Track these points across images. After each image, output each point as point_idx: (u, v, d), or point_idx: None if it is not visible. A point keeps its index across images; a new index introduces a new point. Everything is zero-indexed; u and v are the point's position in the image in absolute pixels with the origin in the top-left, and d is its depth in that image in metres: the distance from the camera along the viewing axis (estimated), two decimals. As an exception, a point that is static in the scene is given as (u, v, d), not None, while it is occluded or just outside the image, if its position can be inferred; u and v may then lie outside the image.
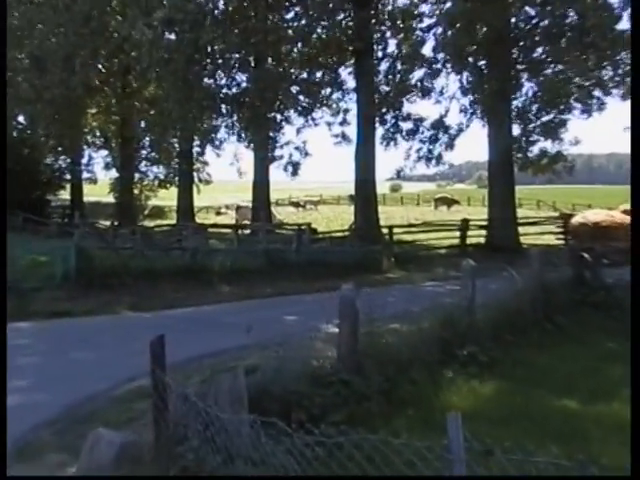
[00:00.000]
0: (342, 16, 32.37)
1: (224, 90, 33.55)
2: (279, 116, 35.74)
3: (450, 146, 32.94)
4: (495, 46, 28.37)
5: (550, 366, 9.47)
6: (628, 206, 20.94)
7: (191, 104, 30.82)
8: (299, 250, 23.73)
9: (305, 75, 34.86)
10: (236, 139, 38.69)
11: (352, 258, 23.82)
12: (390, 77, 33.22)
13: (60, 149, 50.23)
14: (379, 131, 33.43)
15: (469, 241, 29.80)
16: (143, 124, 49.93)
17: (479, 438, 3.75)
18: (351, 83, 35.91)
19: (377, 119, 33.00)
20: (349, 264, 22.65)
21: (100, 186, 57.79)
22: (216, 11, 30.28)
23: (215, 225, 37.22)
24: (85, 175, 54.95)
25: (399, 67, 32.97)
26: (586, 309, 12.42)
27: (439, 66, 32.04)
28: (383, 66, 33.67)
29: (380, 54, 33.59)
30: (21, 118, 47.24)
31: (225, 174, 59.68)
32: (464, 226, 29.84)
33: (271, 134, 35.54)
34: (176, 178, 52.46)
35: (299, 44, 33.30)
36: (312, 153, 37.99)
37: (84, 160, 54.47)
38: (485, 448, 3.66)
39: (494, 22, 27.16)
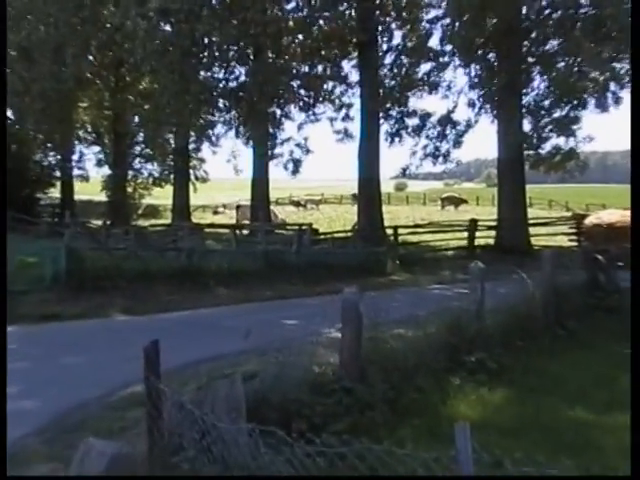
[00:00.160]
0: (345, 6, 32.31)
1: (222, 84, 33.57)
2: (279, 111, 35.76)
3: (458, 143, 32.95)
4: (505, 38, 28.38)
5: (562, 374, 9.46)
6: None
7: (187, 98, 30.84)
8: (300, 251, 23.75)
9: (306, 68, 34.86)
10: (234, 135, 38.71)
11: (355, 260, 23.83)
12: (395, 71, 33.23)
13: (50, 145, 50.29)
14: (383, 127, 33.51)
15: (477, 242, 29.83)
16: (137, 119, 49.99)
17: (488, 449, 3.75)
18: (354, 77, 35.98)
19: (381, 114, 33.02)
20: (352, 266, 22.66)
21: (92, 184, 57.83)
22: (213, 1, 30.31)
23: (212, 225, 37.30)
24: (76, 172, 55.04)
25: (405, 60, 33.02)
26: (600, 314, 12.41)
27: (446, 59, 32.12)
28: (388, 59, 33.75)
29: (385, 47, 33.63)
30: (9, 112, 47.27)
31: (222, 172, 59.93)
32: (472, 227, 29.86)
33: (271, 130, 35.56)
34: (171, 176, 52.57)
35: (300, 36, 33.29)
36: (314, 150, 38.06)
37: (75, 157, 54.52)
38: (494, 459, 3.66)
39: (504, 13, 27.19)
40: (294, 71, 34.38)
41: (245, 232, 34.31)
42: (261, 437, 4.69)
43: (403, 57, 33.02)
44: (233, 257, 22.82)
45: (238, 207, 51.05)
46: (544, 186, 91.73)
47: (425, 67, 33.03)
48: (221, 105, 34.96)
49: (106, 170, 54.72)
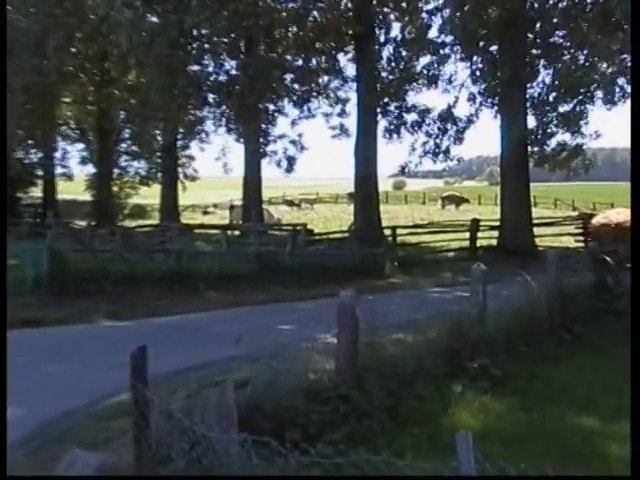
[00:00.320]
0: (341, -3, 32.42)
1: (211, 78, 33.56)
2: (272, 106, 35.80)
3: (459, 139, 32.88)
4: (508, 29, 28.36)
5: (568, 380, 9.47)
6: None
7: (175, 92, 30.83)
8: (294, 253, 23.73)
9: (300, 62, 34.87)
10: (225, 131, 38.73)
11: (351, 262, 23.83)
12: (393, 64, 33.19)
13: (31, 142, 50.18)
14: (381, 123, 33.44)
15: (479, 243, 29.86)
16: (123, 114, 49.97)
17: (492, 459, 3.76)
18: (351, 70, 36.02)
19: (379, 110, 32.99)
20: (348, 268, 22.65)
21: (76, 183, 57.75)
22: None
23: (202, 226, 37.33)
24: (59, 171, 55.01)
25: (403, 53, 32.94)
26: (608, 317, 12.41)
27: (447, 52, 32.01)
28: (386, 52, 33.68)
29: (382, 39, 33.61)
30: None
31: (212, 170, 59.70)
32: (474, 227, 29.88)
33: (263, 126, 35.55)
34: (159, 174, 52.54)
35: (294, 28, 33.28)
36: (308, 147, 38.09)
37: (58, 154, 54.48)
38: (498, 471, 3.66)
39: (507, 2, 27.18)
40: (287, 64, 34.38)
41: (237, 233, 34.30)
42: (254, 447, 4.69)
43: (401, 49, 32.92)
44: (224, 259, 22.81)
45: (232, 207, 50.95)
46: (549, 184, 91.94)
47: (424, 60, 32.96)
48: (211, 100, 34.97)
49: (91, 168, 54.77)
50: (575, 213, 45.05)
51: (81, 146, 55.39)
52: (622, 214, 26.80)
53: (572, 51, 29.94)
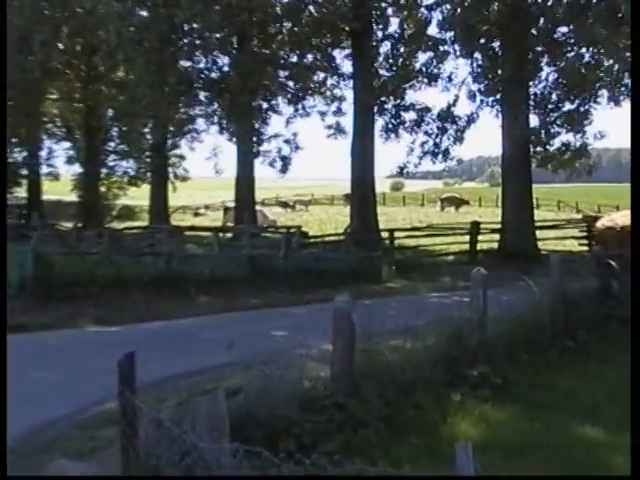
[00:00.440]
0: (337, -9, 32.39)
1: (203, 74, 33.51)
2: (265, 105, 35.77)
3: (459, 139, 32.85)
4: (510, 25, 28.36)
5: (572, 389, 9.49)
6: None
7: (165, 90, 30.80)
8: (287, 256, 23.72)
9: (295, 58, 34.84)
10: (217, 131, 38.72)
11: (347, 266, 23.84)
12: (391, 61, 33.13)
13: (15, 140, 50.04)
14: (379, 122, 33.37)
15: (480, 247, 29.86)
16: (111, 112, 49.88)
17: (492, 471, 3.76)
18: (347, 68, 35.94)
19: (376, 108, 32.93)
20: (344, 272, 22.67)
21: (62, 183, 57.68)
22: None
23: (193, 228, 37.21)
24: (44, 170, 54.77)
25: (401, 49, 32.93)
26: (613, 324, 12.42)
27: (447, 48, 31.97)
28: (383, 48, 33.59)
29: (380, 35, 33.51)
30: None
31: (204, 170, 59.74)
32: (474, 230, 29.87)
33: (256, 125, 35.53)
34: (148, 174, 52.38)
35: (288, 23, 33.27)
36: (303, 147, 38.08)
37: (43, 153, 54.29)
38: None
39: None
40: (282, 61, 34.37)
41: (229, 235, 34.26)
42: (246, 457, 4.69)
43: (400, 46, 32.92)
44: (215, 262, 22.81)
45: (226, 209, 50.63)
46: (552, 186, 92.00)
47: (423, 57, 32.90)
48: (202, 97, 34.96)
49: (77, 168, 54.66)
50: (579, 216, 45.16)
51: (67, 145, 55.24)
52: (628, 217, 26.79)
53: (576, 48, 29.90)
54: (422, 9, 32.62)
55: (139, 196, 58.38)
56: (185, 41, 31.51)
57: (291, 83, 35.70)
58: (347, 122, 37.81)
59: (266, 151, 36.82)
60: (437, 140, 32.87)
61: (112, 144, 53.75)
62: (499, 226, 31.40)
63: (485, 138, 43.21)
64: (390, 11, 33.75)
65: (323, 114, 37.82)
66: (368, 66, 32.54)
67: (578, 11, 28.12)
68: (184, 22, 29.36)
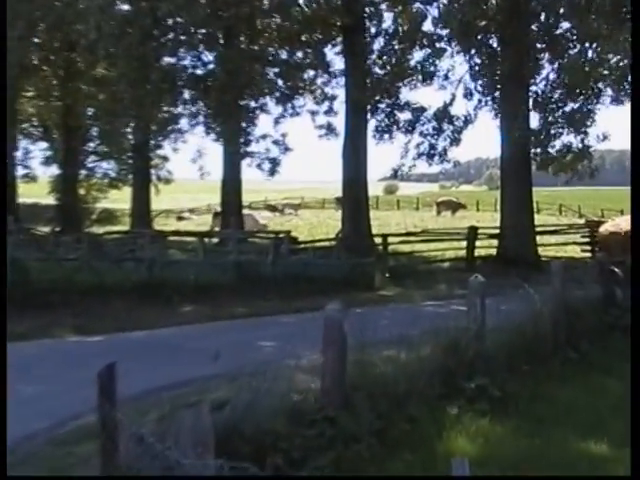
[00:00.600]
0: (329, -15, 32.45)
1: (187, 71, 33.53)
2: (253, 103, 35.83)
3: (456, 140, 32.89)
4: (509, 20, 28.44)
5: (574, 402, 9.50)
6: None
7: (148, 87, 30.77)
8: (276, 262, 23.73)
9: (284, 55, 34.94)
10: (203, 131, 38.75)
11: (339, 272, 23.84)
12: (385, 58, 33.21)
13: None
14: (372, 122, 33.45)
15: (478, 253, 29.90)
16: (90, 111, 49.77)
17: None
18: (339, 65, 36.05)
19: (369, 108, 32.99)
20: (335, 279, 22.67)
21: (39, 185, 57.61)
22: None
23: (177, 232, 37.16)
24: (20, 172, 54.68)
25: (396, 46, 32.99)
26: (617, 334, 12.45)
27: (443, 45, 32.05)
28: (376, 45, 33.72)
29: (373, 30, 33.63)
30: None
31: (188, 172, 59.70)
32: (472, 235, 29.90)
33: (243, 125, 35.56)
34: (130, 176, 52.32)
35: (277, 18, 33.30)
36: (292, 148, 38.17)
37: (19, 154, 54.19)
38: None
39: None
40: (270, 58, 34.43)
41: (215, 240, 34.24)
42: (232, 474, 4.68)
43: (394, 42, 32.99)
44: (200, 269, 22.80)
45: (216, 214, 50.39)
46: (553, 189, 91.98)
47: (419, 54, 33.08)
48: (186, 96, 34.94)
49: (55, 169, 54.59)
50: (582, 220, 45.21)
51: (44, 145, 55.30)
52: (632, 222, 26.89)
53: (579, 44, 29.88)
54: (417, 4, 32.66)
55: (120, 199, 58.33)
56: (169, 36, 31.52)
57: (280, 81, 35.76)
58: (339, 122, 37.96)
59: (254, 152, 36.91)
60: (433, 141, 32.91)
61: (92, 144, 53.71)
62: (498, 231, 31.44)
63: (483, 139, 43.32)
64: (384, 6, 33.83)
65: (313, 114, 37.93)
66: (361, 63, 32.58)
67: (581, 5, 28.15)
68: (168, 16, 29.37)
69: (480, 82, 31.90)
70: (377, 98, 33.05)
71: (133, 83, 30.14)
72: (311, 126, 37.62)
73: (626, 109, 30.35)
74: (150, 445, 5.24)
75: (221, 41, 33.60)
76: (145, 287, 20.04)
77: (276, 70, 35.11)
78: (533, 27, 30.23)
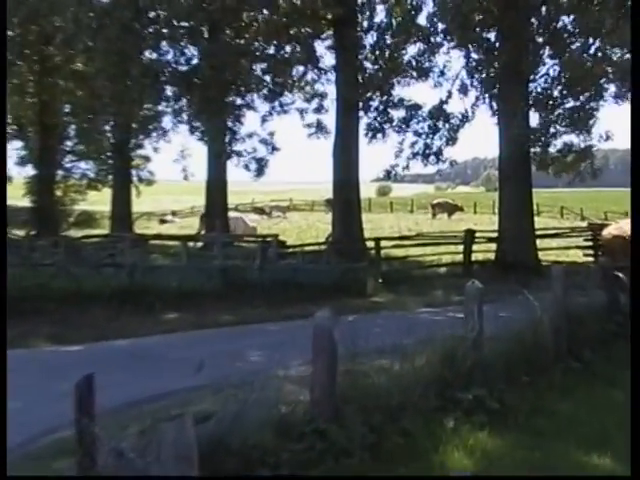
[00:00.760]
0: (319, -24, 32.43)
1: (170, 67, 33.46)
2: (239, 100, 35.78)
3: (452, 139, 32.79)
4: (508, 13, 28.44)
5: (576, 414, 9.50)
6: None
7: (128, 83, 30.72)
8: (263, 268, 23.74)
9: (272, 50, 34.84)
10: (187, 129, 38.73)
11: (329, 278, 23.85)
12: (377, 53, 33.12)
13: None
14: (363, 120, 33.37)
15: (475, 257, 29.92)
16: (68, 108, 49.71)
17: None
18: (329, 60, 36.04)
19: (361, 105, 32.96)
20: (325, 285, 22.69)
21: (13, 186, 57.42)
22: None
23: (159, 236, 37.15)
24: (-7, 172, 54.54)
25: (388, 40, 32.96)
26: (621, 343, 12.45)
27: (438, 40, 32.02)
28: (369, 39, 33.64)
29: (365, 24, 33.60)
30: None
31: (170, 173, 59.70)
32: (469, 239, 29.92)
33: (229, 123, 35.53)
34: (109, 177, 52.27)
35: (264, 11, 33.28)
36: (281, 147, 38.13)
37: (-9, 153, 54.06)
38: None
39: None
40: (257, 53, 34.35)
41: (199, 244, 34.24)
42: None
43: (387, 37, 32.97)
44: (184, 274, 22.78)
45: (202, 217, 50.29)
46: (554, 190, 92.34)
47: (413, 49, 32.98)
48: (169, 92, 34.89)
49: (30, 170, 54.44)
50: (584, 223, 45.31)
51: (19, 144, 55.09)
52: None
53: (581, 38, 29.85)
54: (411, -4, 32.71)
55: (99, 201, 58.30)
56: (150, 29, 31.44)
57: (267, 77, 35.69)
58: (329, 120, 37.87)
59: (240, 152, 36.83)
60: (428, 140, 32.77)
61: (69, 143, 53.65)
62: (496, 235, 31.42)
63: (481, 138, 43.39)
64: (377, -3, 33.87)
65: (303, 111, 37.89)
66: (352, 59, 32.56)
67: (583, -1, 28.21)
68: (149, 8, 29.35)
69: (477, 78, 31.86)
70: (369, 95, 32.98)
71: (113, 78, 30.11)
72: (300, 124, 37.63)
73: (629, 106, 30.32)
74: (130, 461, 5.22)
75: (205, 35, 33.57)
76: (126, 294, 20.01)
77: (263, 65, 35.02)
78: (532, 20, 30.20)
